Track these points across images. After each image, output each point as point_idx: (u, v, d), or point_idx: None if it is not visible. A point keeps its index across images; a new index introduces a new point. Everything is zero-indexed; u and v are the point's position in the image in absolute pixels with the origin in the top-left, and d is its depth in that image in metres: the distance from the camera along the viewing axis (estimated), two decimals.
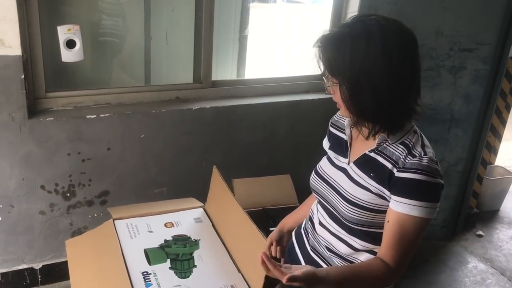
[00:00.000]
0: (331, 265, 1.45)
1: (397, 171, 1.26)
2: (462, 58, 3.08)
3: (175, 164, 2.80)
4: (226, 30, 3.52)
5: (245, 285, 1.85)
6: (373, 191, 1.30)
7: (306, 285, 1.21)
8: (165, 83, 2.99)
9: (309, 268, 1.23)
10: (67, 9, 2.75)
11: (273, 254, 1.68)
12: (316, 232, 1.51)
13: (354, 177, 1.35)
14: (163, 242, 2.05)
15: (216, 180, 2.17)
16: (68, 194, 2.61)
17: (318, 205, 1.53)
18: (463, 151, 3.33)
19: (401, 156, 1.27)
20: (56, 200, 2.60)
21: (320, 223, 1.50)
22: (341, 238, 1.42)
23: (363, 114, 1.27)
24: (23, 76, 2.31)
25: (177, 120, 2.72)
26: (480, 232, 3.72)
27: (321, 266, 1.46)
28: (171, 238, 2.07)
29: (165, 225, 2.17)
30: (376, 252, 1.37)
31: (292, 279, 1.16)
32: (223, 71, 3.53)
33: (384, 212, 1.31)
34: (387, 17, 1.26)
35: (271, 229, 2.23)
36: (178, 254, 1.98)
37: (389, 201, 1.29)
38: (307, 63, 3.47)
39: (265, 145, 3.02)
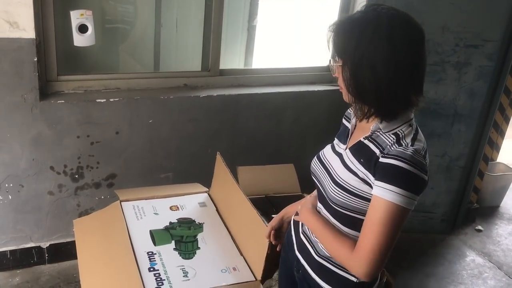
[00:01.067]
0: (315, 248, 1.50)
1: (382, 157, 1.29)
2: (467, 54, 3.11)
3: (182, 150, 2.85)
4: (235, 20, 3.55)
5: (246, 267, 1.90)
6: (360, 176, 1.34)
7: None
8: (174, 70, 3.04)
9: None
10: None
11: (271, 240, 1.73)
12: None
13: (347, 162, 1.39)
14: (168, 224, 2.10)
15: (220, 166, 2.21)
16: (76, 176, 2.67)
17: (314, 186, 1.58)
18: (465, 147, 3.37)
19: (388, 144, 1.31)
20: (65, 181, 2.66)
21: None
22: (326, 220, 1.47)
23: (360, 95, 1.31)
24: (36, 59, 2.36)
25: (185, 106, 2.77)
26: (480, 227, 3.77)
27: (307, 249, 1.53)
28: (176, 221, 2.13)
29: (171, 208, 2.23)
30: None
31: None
32: (231, 60, 3.57)
33: (364, 198, 1.34)
34: (398, 9, 1.31)
35: (273, 215, 2.29)
36: (183, 236, 2.03)
37: (371, 188, 1.32)
38: (314, 55, 3.51)
39: (270, 134, 3.07)
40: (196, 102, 2.79)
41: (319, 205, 1.52)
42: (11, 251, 2.70)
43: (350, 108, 1.58)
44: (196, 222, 2.14)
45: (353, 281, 1.43)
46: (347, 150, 1.43)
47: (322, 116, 3.15)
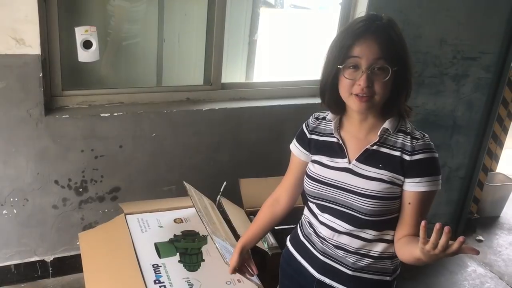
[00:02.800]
0: (346, 265, 1.49)
1: (410, 155, 1.37)
2: (465, 66, 3.16)
3: (184, 163, 2.88)
4: (236, 35, 3.60)
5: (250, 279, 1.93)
6: (387, 179, 1.39)
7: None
8: (177, 84, 3.08)
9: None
10: (85, 11, 2.84)
11: (251, 276, 1.74)
12: (324, 236, 1.52)
13: (362, 173, 1.41)
14: (172, 236, 2.13)
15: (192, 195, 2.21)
16: (81, 190, 2.70)
17: (317, 209, 1.53)
18: (464, 157, 3.40)
19: (406, 142, 1.39)
20: (69, 195, 2.69)
21: (328, 226, 1.50)
22: (352, 234, 1.46)
23: (394, 99, 1.39)
24: (41, 75, 2.40)
25: (187, 120, 2.80)
26: (480, 237, 3.79)
27: (336, 268, 1.51)
28: (180, 233, 2.16)
29: (175, 220, 2.26)
30: (387, 239, 1.46)
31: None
32: (232, 74, 3.60)
33: (396, 198, 1.40)
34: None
35: (276, 227, 2.32)
36: (187, 248, 2.06)
37: (401, 186, 1.39)
38: (314, 68, 3.55)
39: (272, 146, 3.09)
40: (198, 116, 2.83)
41: (339, 222, 1.47)
42: (15, 265, 2.72)
43: (310, 122, 1.64)
44: (200, 235, 2.17)
45: (387, 280, 1.50)
46: (354, 162, 1.44)
47: None
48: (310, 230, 1.59)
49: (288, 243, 1.71)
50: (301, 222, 1.68)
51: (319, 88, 1.48)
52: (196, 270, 1.96)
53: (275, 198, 1.72)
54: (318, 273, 1.55)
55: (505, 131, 3.96)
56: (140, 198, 2.74)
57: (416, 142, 1.37)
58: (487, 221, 4.03)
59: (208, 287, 1.88)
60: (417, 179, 1.36)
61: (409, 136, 1.39)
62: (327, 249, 1.52)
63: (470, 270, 3.39)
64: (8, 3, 2.23)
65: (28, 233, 2.68)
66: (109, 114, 2.62)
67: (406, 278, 3.16)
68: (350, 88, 1.35)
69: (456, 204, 3.53)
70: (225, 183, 2.46)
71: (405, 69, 1.37)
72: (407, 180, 1.38)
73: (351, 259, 1.49)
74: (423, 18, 2.99)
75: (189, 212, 2.33)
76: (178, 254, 2.02)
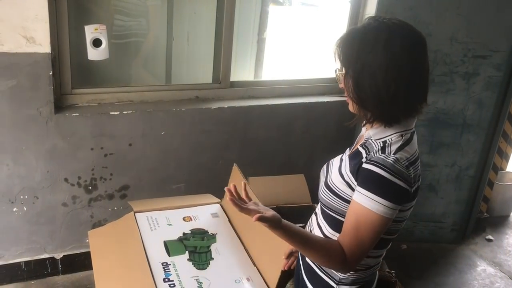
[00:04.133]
0: None
1: (364, 162, 1.32)
2: (475, 65, 3.13)
3: (193, 161, 2.89)
4: (245, 33, 3.59)
5: (260, 277, 1.93)
6: (345, 178, 1.38)
7: (269, 227, 1.29)
8: (186, 82, 3.08)
9: (275, 213, 1.31)
10: (94, 10, 2.85)
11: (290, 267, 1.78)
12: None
13: (342, 166, 1.43)
14: (181, 235, 2.13)
15: (236, 177, 2.24)
16: (90, 187, 2.71)
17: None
18: (474, 156, 3.38)
19: (373, 150, 1.34)
20: (78, 193, 2.70)
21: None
22: (318, 222, 1.53)
23: (363, 102, 1.34)
24: (51, 73, 2.41)
25: (196, 118, 2.81)
26: (490, 237, 3.76)
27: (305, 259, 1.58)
28: (190, 232, 2.16)
29: (184, 219, 2.26)
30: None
31: (261, 218, 1.25)
32: (241, 72, 3.61)
33: (345, 200, 1.39)
34: (400, 19, 1.35)
35: None
36: (196, 246, 2.06)
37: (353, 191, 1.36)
38: (323, 66, 3.54)
39: (281, 145, 3.10)
40: (207, 114, 2.83)
41: (317, 208, 1.58)
42: (25, 262, 2.74)
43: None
44: (209, 233, 2.17)
45: (333, 286, 1.48)
46: (346, 156, 1.47)
47: (331, 127, 3.17)
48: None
49: None
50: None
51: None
52: (205, 268, 1.96)
53: None
54: (302, 261, 1.62)
55: None
56: (149, 196, 2.75)
57: (379, 155, 1.31)
58: (497, 220, 4.00)
59: (217, 285, 1.88)
60: (358, 188, 1.31)
61: (381, 148, 1.33)
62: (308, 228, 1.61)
63: (480, 269, 3.37)
64: (19, 2, 2.24)
65: (38, 231, 2.70)
66: (118, 113, 2.63)
67: (414, 277, 3.16)
68: None
69: (465, 203, 3.51)
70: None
71: (358, 78, 1.32)
72: (356, 186, 1.33)
73: None
74: (433, 16, 2.97)
75: (198, 210, 2.33)
76: (187, 252, 2.02)
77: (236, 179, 2.24)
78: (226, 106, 2.88)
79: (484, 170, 3.47)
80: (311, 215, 1.70)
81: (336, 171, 1.44)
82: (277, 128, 3.05)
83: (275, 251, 1.83)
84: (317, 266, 1.52)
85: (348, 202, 1.37)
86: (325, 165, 1.58)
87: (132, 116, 2.65)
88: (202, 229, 2.20)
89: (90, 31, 2.54)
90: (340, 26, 3.43)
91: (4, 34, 2.27)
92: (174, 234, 2.13)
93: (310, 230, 1.64)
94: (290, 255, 1.78)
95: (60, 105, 2.58)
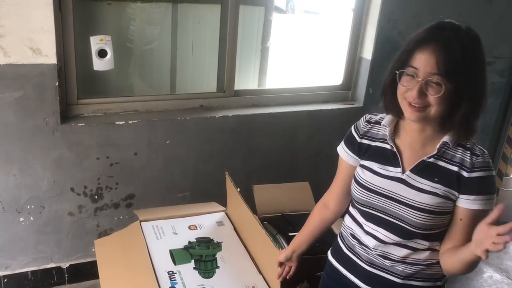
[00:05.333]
0: (395, 273, 1.47)
1: (468, 172, 1.34)
2: None
3: (198, 170, 2.90)
4: (249, 42, 3.61)
5: (265, 286, 1.93)
6: (441, 194, 1.36)
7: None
8: (190, 91, 3.11)
9: None
10: (100, 21, 2.88)
11: (286, 276, 1.78)
12: (368, 247, 1.50)
13: (416, 184, 1.39)
14: (187, 243, 2.14)
15: (230, 186, 2.26)
16: (96, 197, 2.73)
17: (362, 217, 1.52)
18: None
19: (465, 158, 1.36)
20: (85, 202, 2.71)
21: (373, 236, 1.49)
22: (399, 244, 1.45)
23: (451, 115, 1.33)
24: (57, 83, 2.44)
25: (201, 127, 2.82)
26: None
27: (384, 278, 1.49)
28: (195, 240, 2.17)
29: (189, 227, 2.27)
30: (435, 248, 1.44)
31: None
32: (245, 81, 3.62)
33: (448, 213, 1.38)
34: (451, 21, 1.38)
35: (290, 234, 2.32)
36: (202, 255, 2.07)
37: (454, 201, 1.37)
38: (327, 74, 3.56)
39: (285, 152, 3.11)
40: (212, 123, 2.85)
41: (386, 233, 1.46)
42: (32, 271, 2.75)
43: (361, 125, 1.56)
44: (215, 241, 2.18)
45: (438, 285, 1.49)
46: (408, 172, 1.41)
47: (335, 134, 3.15)
48: (354, 242, 1.56)
49: (331, 258, 1.68)
50: (342, 234, 1.64)
51: (381, 87, 1.45)
52: (211, 277, 1.97)
53: (324, 202, 1.72)
54: (365, 284, 1.53)
55: None
56: (154, 205, 2.75)
57: (476, 159, 1.34)
58: None
59: None
60: (472, 197, 1.34)
61: (468, 152, 1.36)
62: (373, 258, 1.50)
63: (486, 276, 3.35)
64: (25, 13, 2.27)
65: (45, 240, 2.71)
66: (124, 122, 2.65)
67: None
68: (404, 94, 1.34)
69: None
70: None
71: (468, 87, 1.30)
72: (461, 196, 1.35)
73: (399, 267, 1.47)
74: None
75: (203, 218, 2.34)
76: (193, 261, 2.03)
77: (230, 189, 2.26)
78: (231, 115, 2.90)
79: None
80: None
81: (414, 192, 1.38)
82: (282, 135, 3.06)
83: (275, 265, 1.83)
84: (418, 279, 1.47)
85: (448, 214, 1.38)
86: (367, 191, 1.47)
87: (137, 125, 2.67)
88: (208, 237, 2.21)
89: (96, 42, 2.56)
90: (342, 34, 3.44)
91: (11, 46, 2.30)
92: (180, 242, 2.14)
93: (343, 240, 1.61)
94: (281, 264, 1.77)
95: (66, 115, 2.60)
